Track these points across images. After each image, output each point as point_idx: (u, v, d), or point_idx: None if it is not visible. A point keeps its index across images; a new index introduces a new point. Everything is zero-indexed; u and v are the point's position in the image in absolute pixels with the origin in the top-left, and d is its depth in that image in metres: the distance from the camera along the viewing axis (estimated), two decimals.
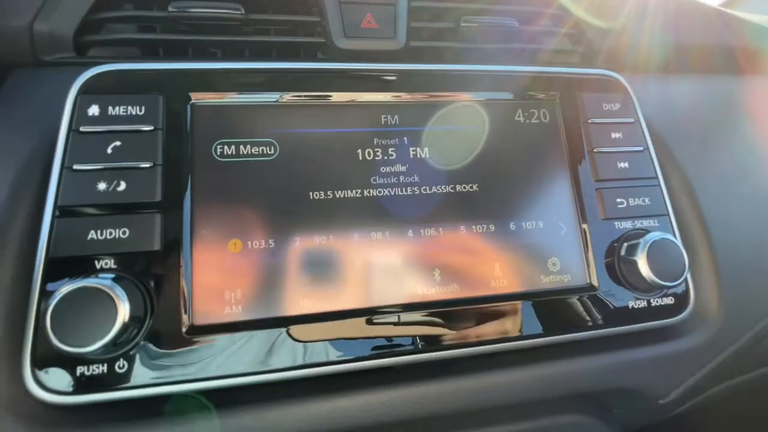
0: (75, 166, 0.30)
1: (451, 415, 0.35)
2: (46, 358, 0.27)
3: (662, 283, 0.34)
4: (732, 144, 0.46)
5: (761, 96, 0.50)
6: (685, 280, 0.37)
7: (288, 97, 0.36)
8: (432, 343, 0.33)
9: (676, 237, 0.38)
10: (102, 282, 0.27)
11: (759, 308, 0.40)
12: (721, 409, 0.56)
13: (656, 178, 0.40)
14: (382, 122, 0.36)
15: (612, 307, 0.36)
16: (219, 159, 0.33)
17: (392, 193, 0.35)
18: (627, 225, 0.38)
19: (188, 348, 0.29)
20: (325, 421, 0.31)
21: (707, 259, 0.40)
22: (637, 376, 0.37)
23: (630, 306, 0.36)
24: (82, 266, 0.29)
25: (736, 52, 0.51)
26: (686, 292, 0.37)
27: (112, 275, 0.28)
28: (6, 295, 0.29)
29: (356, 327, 0.32)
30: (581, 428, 0.37)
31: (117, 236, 0.29)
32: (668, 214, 0.39)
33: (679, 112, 0.46)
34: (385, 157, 0.36)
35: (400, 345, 0.32)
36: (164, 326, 0.29)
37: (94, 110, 0.32)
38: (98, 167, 0.30)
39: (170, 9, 0.40)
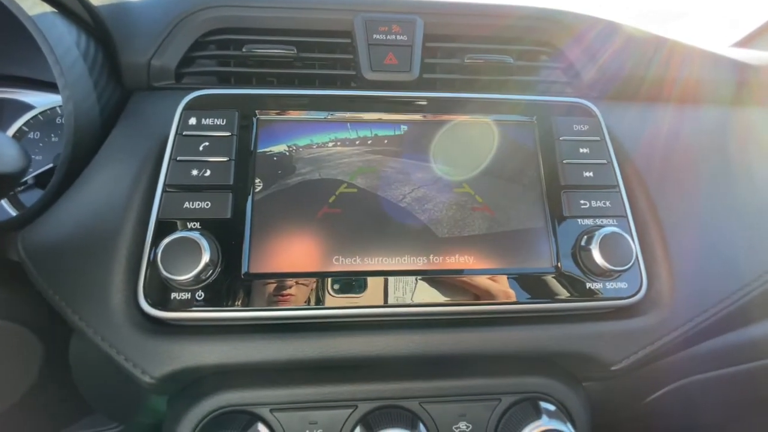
0: (178, 158, 0.44)
1: (442, 362, 0.44)
2: (152, 285, 0.40)
3: (612, 267, 0.43)
4: (690, 160, 0.53)
5: (720, 122, 0.57)
6: (638, 269, 0.45)
7: (323, 115, 0.48)
8: (422, 299, 0.42)
9: (632, 233, 0.46)
10: (193, 234, 0.39)
11: (706, 299, 0.46)
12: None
13: (617, 185, 0.48)
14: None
15: (573, 286, 0.44)
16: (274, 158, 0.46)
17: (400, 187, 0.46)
18: (588, 222, 0.46)
19: (242, 288, 0.41)
20: (320, 352, 0.41)
21: (662, 254, 0.47)
22: (594, 345, 0.44)
23: (588, 287, 0.44)
24: (180, 225, 0.42)
25: (700, 82, 0.59)
26: (639, 279, 0.45)
27: (199, 232, 0.41)
28: (128, 244, 0.42)
29: (356, 284, 0.42)
30: (545, 387, 0.45)
31: (203, 206, 0.42)
32: (626, 215, 0.47)
33: (646, 133, 0.54)
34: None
35: (396, 300, 0.42)
36: (228, 271, 0.41)
37: (192, 121, 0.46)
38: (193, 159, 0.44)
39: (243, 50, 0.54)
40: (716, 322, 0.48)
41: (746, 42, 1.06)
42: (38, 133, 0.71)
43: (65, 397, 0.57)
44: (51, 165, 0.68)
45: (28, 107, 0.72)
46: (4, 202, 0.67)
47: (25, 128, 0.71)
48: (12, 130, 0.70)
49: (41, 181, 0.66)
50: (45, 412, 0.57)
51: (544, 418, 0.42)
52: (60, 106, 0.73)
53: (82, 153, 0.48)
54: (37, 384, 0.52)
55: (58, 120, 0.72)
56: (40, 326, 0.51)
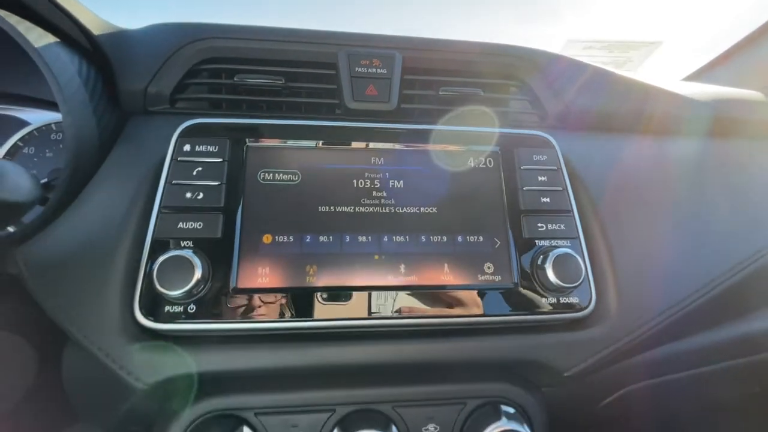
0: (173, 182, 0.48)
1: (413, 369, 0.49)
2: (147, 299, 0.44)
3: (563, 284, 0.48)
4: (639, 186, 0.59)
5: (667, 152, 0.64)
6: (588, 285, 0.51)
7: (309, 143, 0.53)
8: (397, 315, 0.47)
9: (583, 254, 0.52)
10: (186, 252, 0.43)
11: (648, 313, 0.52)
12: None
13: (571, 210, 0.54)
14: (372, 162, 0.53)
15: (530, 301, 0.49)
16: (261, 181, 0.50)
17: (375, 211, 0.51)
18: (545, 243, 0.52)
19: (231, 301, 0.45)
20: (308, 360, 0.46)
21: (610, 272, 0.53)
22: (548, 354, 0.49)
23: (543, 301, 0.49)
24: (174, 244, 0.45)
25: (650, 116, 0.66)
26: (589, 295, 0.51)
27: (191, 250, 0.44)
28: (124, 260, 0.46)
29: (336, 299, 0.47)
30: (506, 392, 0.50)
31: (195, 226, 0.46)
32: (578, 237, 0.53)
33: (600, 162, 0.60)
34: (372, 186, 0.52)
35: (369, 313, 0.47)
36: (218, 286, 0.45)
37: (187, 147, 0.50)
38: (187, 183, 0.48)
39: (235, 79, 0.59)
40: (660, 333, 0.53)
41: (697, 75, 1.15)
42: (33, 149, 0.74)
43: (55, 406, 0.60)
44: (46, 180, 0.70)
45: (24, 123, 0.75)
46: None
47: (20, 143, 0.74)
48: (8, 146, 0.73)
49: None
50: (36, 420, 0.59)
51: (504, 419, 0.47)
52: (55, 123, 0.76)
53: (80, 173, 0.51)
54: (31, 392, 0.55)
55: (53, 136, 0.75)
56: (35, 336, 0.54)
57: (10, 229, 0.68)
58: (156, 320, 0.43)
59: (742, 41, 1.07)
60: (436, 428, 0.48)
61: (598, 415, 0.62)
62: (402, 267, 0.49)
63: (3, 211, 0.35)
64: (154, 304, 0.44)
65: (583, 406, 0.60)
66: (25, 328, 0.53)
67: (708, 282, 0.55)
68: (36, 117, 0.75)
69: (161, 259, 0.43)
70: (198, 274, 0.43)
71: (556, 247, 0.51)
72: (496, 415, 0.48)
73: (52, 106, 0.77)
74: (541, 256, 0.50)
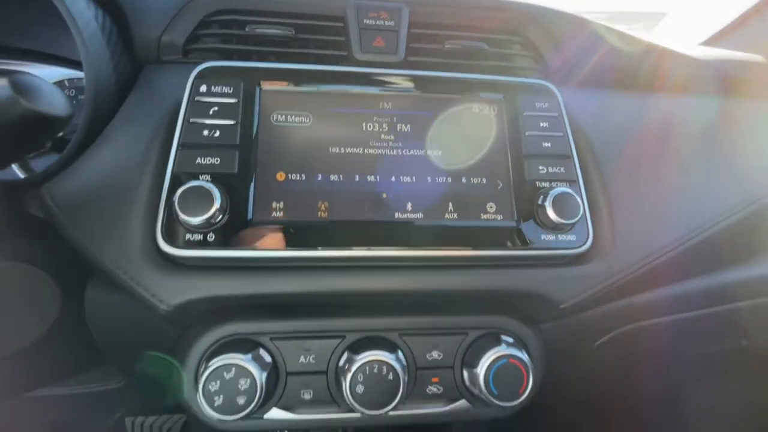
0: (191, 120, 0.50)
1: (419, 301, 0.52)
2: (169, 228, 0.46)
3: (562, 221, 0.50)
4: (635, 135, 0.61)
5: (664, 106, 0.66)
6: (585, 224, 0.53)
7: (320, 87, 0.55)
8: (401, 245, 0.50)
9: (581, 194, 0.54)
10: (206, 184, 0.46)
11: (642, 252, 0.55)
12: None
13: (571, 155, 0.56)
14: (380, 107, 0.55)
15: (530, 238, 0.52)
16: (274, 123, 0.52)
17: (383, 153, 0.53)
18: (545, 184, 0.54)
19: (247, 232, 0.47)
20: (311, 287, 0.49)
21: (606, 213, 0.55)
22: (547, 286, 0.52)
23: (543, 238, 0.52)
24: (192, 176, 0.48)
25: (651, 72, 0.67)
26: (587, 232, 0.53)
27: (210, 182, 0.47)
28: (146, 193, 0.48)
29: (350, 230, 0.49)
30: (506, 324, 0.53)
31: (213, 162, 0.48)
32: (577, 180, 0.55)
33: (599, 112, 0.62)
34: (381, 129, 0.54)
35: (377, 242, 0.49)
36: (235, 218, 0.47)
37: (203, 88, 0.52)
38: (204, 121, 0.50)
39: (246, 29, 0.60)
40: (652, 273, 0.56)
41: (713, 41, 1.16)
42: None
43: (76, 345, 0.63)
44: (61, 133, 0.72)
45: None
46: (14, 166, 0.72)
47: None
48: None
49: (55, 145, 0.70)
50: (57, 357, 0.62)
51: (503, 345, 0.50)
52: (67, 80, 0.77)
53: (99, 118, 0.53)
54: (53, 327, 0.58)
55: (65, 92, 0.77)
56: (59, 271, 0.56)
57: (20, 175, 0.70)
58: (177, 247, 0.46)
59: (747, 13, 1.07)
60: (439, 355, 0.51)
61: (592, 356, 0.65)
62: (409, 205, 0.51)
63: (42, 124, 0.37)
64: (175, 233, 0.46)
65: (578, 344, 0.63)
66: (48, 263, 0.55)
67: (697, 226, 0.58)
68: (48, 73, 0.77)
69: (183, 189, 0.45)
70: (217, 204, 0.45)
71: (555, 187, 0.53)
72: (497, 342, 0.51)
73: (64, 62, 0.79)
74: (542, 196, 0.52)
